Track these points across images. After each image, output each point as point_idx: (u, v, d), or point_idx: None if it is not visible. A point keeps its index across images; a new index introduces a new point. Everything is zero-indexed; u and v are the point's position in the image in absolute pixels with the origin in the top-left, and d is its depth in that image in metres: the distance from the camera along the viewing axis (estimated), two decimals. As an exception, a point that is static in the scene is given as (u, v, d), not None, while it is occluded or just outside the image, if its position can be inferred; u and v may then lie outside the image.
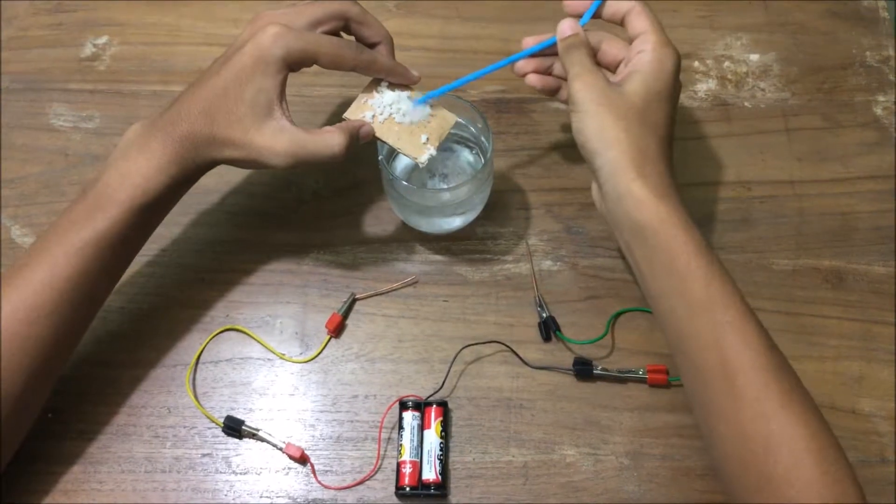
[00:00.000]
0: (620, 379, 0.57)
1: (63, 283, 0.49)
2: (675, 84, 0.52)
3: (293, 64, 0.51)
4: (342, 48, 0.52)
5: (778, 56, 0.70)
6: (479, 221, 0.62)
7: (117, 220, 0.49)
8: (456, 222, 0.60)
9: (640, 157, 0.49)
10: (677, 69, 0.52)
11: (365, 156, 0.65)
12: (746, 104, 0.68)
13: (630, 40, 0.54)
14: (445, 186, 0.56)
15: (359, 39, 0.56)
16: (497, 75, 0.69)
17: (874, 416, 0.56)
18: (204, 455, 0.55)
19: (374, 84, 0.56)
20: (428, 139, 0.55)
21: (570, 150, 0.66)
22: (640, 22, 0.53)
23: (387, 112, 0.55)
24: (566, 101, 0.57)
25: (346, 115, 0.55)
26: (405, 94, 0.56)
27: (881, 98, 0.67)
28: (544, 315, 0.58)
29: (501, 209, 0.63)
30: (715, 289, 0.47)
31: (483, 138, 0.58)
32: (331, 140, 0.51)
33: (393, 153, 0.58)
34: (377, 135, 0.54)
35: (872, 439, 0.55)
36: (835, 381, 0.57)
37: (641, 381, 0.56)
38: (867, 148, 0.66)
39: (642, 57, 0.52)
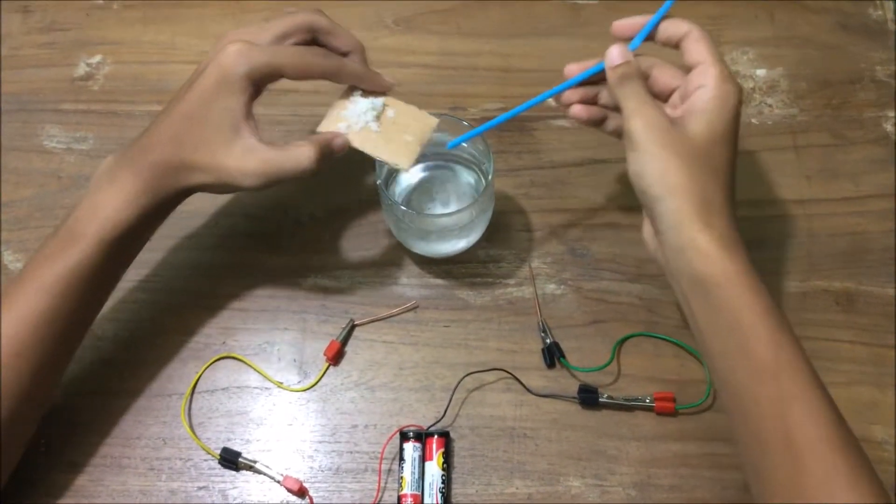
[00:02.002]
0: (627, 407, 0.55)
1: (37, 319, 0.47)
2: (738, 123, 0.48)
3: (258, 80, 0.50)
4: (308, 55, 0.51)
5: (785, 71, 0.68)
6: (480, 243, 0.60)
7: (88, 254, 0.48)
8: (457, 246, 0.59)
9: (705, 205, 0.46)
10: (739, 107, 0.48)
11: (362, 176, 0.64)
12: (753, 121, 0.66)
13: (686, 68, 0.50)
14: (445, 210, 0.55)
15: (329, 50, 0.54)
16: (496, 91, 0.68)
17: (887, 444, 0.54)
18: (200, 488, 0.53)
19: (347, 94, 0.54)
20: (409, 142, 0.53)
21: (573, 169, 0.64)
22: (698, 50, 0.48)
23: (362, 121, 0.53)
24: (615, 134, 0.54)
25: (319, 128, 0.53)
26: (379, 100, 0.53)
27: (891, 114, 0.66)
28: (548, 341, 0.57)
29: (503, 231, 0.62)
30: (783, 355, 0.43)
31: (484, 159, 0.57)
32: (300, 154, 0.50)
33: (391, 176, 0.57)
34: (354, 145, 0.52)
35: (884, 469, 0.53)
36: (846, 408, 0.54)
37: (649, 409, 0.55)
38: (877, 165, 0.64)
39: (703, 94, 0.47)
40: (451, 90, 0.68)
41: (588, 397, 0.55)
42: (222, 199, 0.63)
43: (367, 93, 0.54)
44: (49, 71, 0.70)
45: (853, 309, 0.58)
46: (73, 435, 0.55)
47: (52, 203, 0.64)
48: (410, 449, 0.53)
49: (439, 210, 0.58)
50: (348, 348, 0.58)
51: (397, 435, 0.54)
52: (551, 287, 0.60)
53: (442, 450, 0.53)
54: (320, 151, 0.50)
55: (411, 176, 0.59)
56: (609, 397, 0.55)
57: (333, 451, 0.55)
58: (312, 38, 0.53)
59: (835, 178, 0.64)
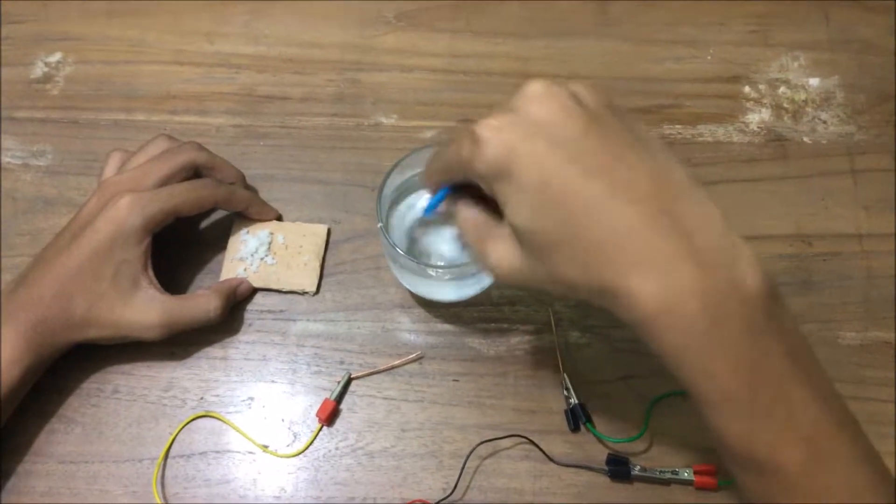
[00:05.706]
0: (662, 481, 0.48)
1: None
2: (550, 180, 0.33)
3: (155, 227, 0.49)
4: (199, 189, 0.50)
5: (841, 80, 0.60)
6: (494, 283, 0.53)
7: None
8: (469, 291, 0.51)
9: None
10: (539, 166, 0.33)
11: (361, 207, 0.57)
12: (805, 139, 0.58)
13: None
14: (458, 262, 0.47)
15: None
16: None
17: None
18: (174, 572, 0.47)
19: (237, 238, 0.54)
20: (308, 262, 0.54)
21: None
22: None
23: (256, 259, 0.54)
24: None
25: (222, 277, 0.54)
26: (265, 233, 0.54)
27: (963, 133, 0.58)
28: (572, 402, 0.50)
29: (521, 268, 0.54)
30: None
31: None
32: (206, 304, 0.50)
33: (389, 216, 0.49)
34: (257, 286, 0.53)
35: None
36: (910, 482, 0.49)
37: (687, 483, 0.48)
38: (946, 194, 0.56)
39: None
40: (460, 99, 0.60)
41: (618, 470, 0.48)
42: (203, 231, 0.55)
43: (253, 230, 0.54)
44: (2, 71, 0.61)
45: (919, 365, 0.52)
46: (31, 507, 0.48)
47: (7, 230, 0.56)
48: (415, 531, 0.46)
49: (448, 247, 0.50)
50: (344, 405, 0.51)
51: (400, 513, 0.47)
52: (575, 335, 0.53)
53: (451, 532, 0.46)
54: (225, 299, 0.51)
55: (417, 211, 0.52)
56: (642, 469, 0.48)
57: (327, 529, 0.48)
58: (195, 173, 0.52)
59: (898, 208, 0.56)
